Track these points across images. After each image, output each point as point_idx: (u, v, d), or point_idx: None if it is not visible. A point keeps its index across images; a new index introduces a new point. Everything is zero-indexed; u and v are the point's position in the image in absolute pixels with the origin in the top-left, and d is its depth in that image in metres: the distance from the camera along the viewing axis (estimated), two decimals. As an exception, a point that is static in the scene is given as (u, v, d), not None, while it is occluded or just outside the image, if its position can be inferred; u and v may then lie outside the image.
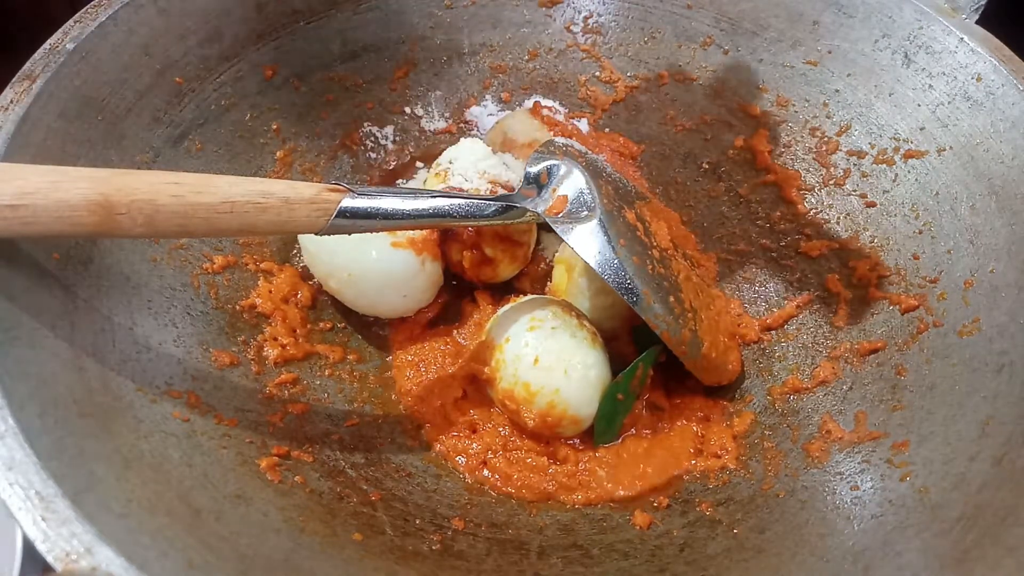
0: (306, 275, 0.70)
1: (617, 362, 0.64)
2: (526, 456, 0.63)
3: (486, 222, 0.59)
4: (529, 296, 0.67)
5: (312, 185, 0.51)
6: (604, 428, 0.63)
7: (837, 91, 0.74)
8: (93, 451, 0.45)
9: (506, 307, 0.65)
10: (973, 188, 0.63)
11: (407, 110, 0.82)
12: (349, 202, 0.51)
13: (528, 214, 0.61)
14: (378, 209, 0.53)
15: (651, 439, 0.64)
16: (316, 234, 0.52)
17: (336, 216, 0.51)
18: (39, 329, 0.47)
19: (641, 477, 0.62)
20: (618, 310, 0.67)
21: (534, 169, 0.64)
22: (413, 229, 0.63)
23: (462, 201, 0.57)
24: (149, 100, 0.63)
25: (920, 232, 0.66)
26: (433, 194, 0.56)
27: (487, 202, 0.58)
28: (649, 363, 0.64)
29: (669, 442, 0.64)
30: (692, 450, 0.63)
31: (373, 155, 0.81)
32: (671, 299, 0.61)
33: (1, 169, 0.44)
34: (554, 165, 0.63)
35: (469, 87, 0.84)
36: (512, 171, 0.70)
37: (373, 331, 0.71)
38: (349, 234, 0.54)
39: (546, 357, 0.61)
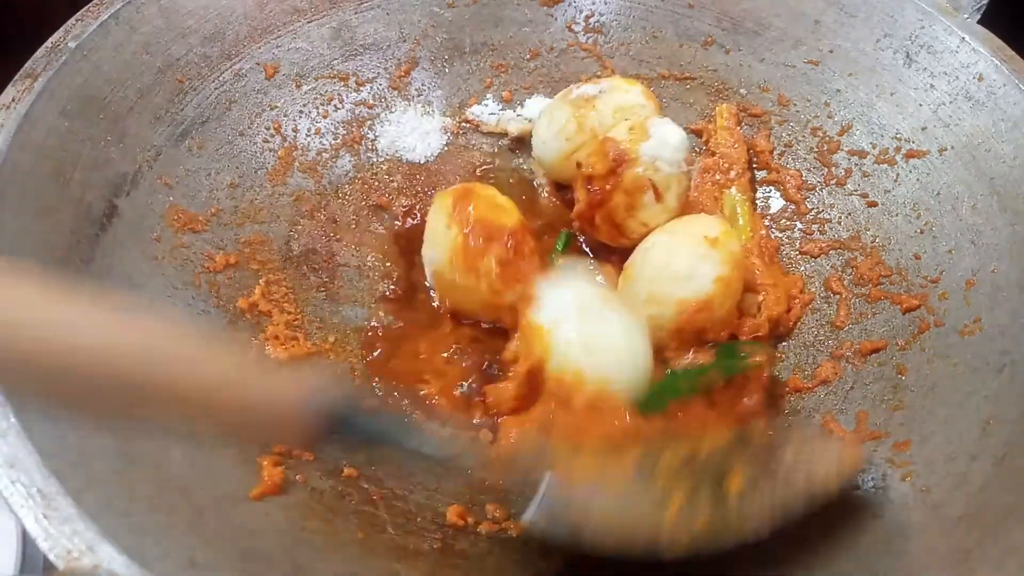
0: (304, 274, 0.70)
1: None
2: (527, 455, 0.62)
3: None
4: (570, 276, 0.64)
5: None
6: (654, 401, 0.59)
7: (839, 91, 0.74)
8: (95, 449, 0.45)
9: (545, 288, 0.62)
10: (975, 188, 0.63)
11: (408, 109, 0.82)
12: None
13: None
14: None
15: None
16: None
17: None
18: (41, 327, 0.47)
19: (642, 476, 0.61)
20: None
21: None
22: None
23: None
24: (150, 99, 0.63)
25: (921, 232, 0.66)
26: None
27: None
28: (725, 375, 0.61)
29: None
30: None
31: (372, 156, 0.81)
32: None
33: None
34: None
35: (470, 86, 0.84)
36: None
37: (374, 330, 0.71)
38: None
39: (592, 340, 0.58)
